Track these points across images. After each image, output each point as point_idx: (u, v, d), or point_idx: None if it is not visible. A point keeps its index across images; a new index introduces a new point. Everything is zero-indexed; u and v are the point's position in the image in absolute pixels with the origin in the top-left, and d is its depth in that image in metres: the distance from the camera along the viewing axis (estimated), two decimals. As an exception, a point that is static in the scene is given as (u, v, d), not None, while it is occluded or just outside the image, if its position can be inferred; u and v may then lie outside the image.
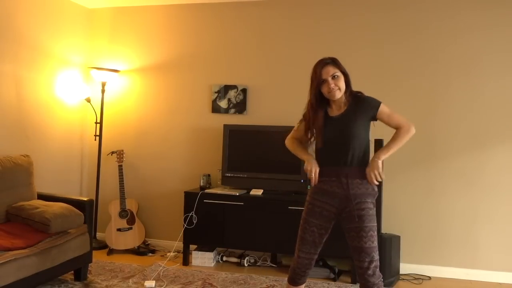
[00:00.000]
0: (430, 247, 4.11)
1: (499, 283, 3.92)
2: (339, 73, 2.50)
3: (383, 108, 2.55)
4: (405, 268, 4.09)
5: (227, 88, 4.58)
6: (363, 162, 2.53)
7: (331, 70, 2.48)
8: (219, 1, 4.58)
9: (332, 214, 2.55)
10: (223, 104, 4.59)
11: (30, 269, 2.97)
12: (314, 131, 2.57)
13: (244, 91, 4.54)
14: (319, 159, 2.59)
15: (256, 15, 4.53)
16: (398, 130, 2.57)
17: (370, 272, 2.45)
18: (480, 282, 3.94)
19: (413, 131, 2.56)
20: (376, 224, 2.50)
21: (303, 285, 2.73)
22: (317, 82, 2.50)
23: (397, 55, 4.18)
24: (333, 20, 4.33)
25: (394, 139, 2.56)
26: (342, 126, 2.51)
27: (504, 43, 3.96)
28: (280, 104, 4.46)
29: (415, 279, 4.00)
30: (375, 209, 2.52)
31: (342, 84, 2.50)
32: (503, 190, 3.97)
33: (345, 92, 2.54)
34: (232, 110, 4.57)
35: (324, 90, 2.50)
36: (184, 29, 4.73)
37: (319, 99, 2.54)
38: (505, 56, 3.96)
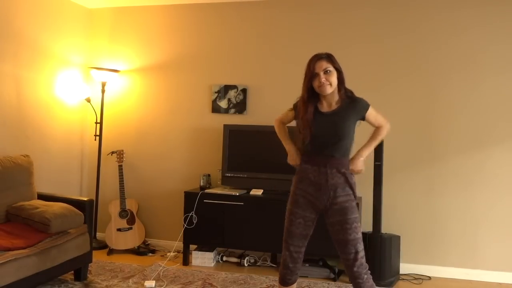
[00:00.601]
0: (430, 247, 4.11)
1: (499, 283, 3.92)
2: (331, 69, 2.51)
3: (371, 110, 2.63)
4: (405, 268, 4.09)
5: (227, 88, 4.58)
6: (345, 155, 2.59)
7: (324, 64, 2.51)
8: (219, 1, 4.59)
9: (316, 206, 2.58)
10: (223, 104, 4.59)
11: (30, 269, 2.97)
12: (301, 124, 2.58)
13: (244, 91, 4.54)
14: (305, 150, 2.63)
15: (256, 15, 4.53)
16: (378, 128, 2.68)
17: (358, 263, 2.50)
18: (480, 282, 3.94)
19: (389, 127, 2.70)
20: (358, 215, 2.56)
21: (295, 284, 2.72)
22: (310, 75, 2.53)
23: (396, 53, 4.18)
24: (333, 20, 4.33)
25: (375, 137, 2.68)
26: (333, 123, 2.54)
27: (503, 41, 3.96)
28: (280, 104, 4.40)
29: (415, 279, 4.00)
30: (356, 199, 2.60)
31: (334, 80, 2.52)
32: (503, 190, 3.96)
33: (338, 90, 2.57)
34: (232, 110, 4.57)
35: (315, 84, 2.53)
36: (184, 29, 4.73)
37: (310, 93, 2.57)
38: (504, 54, 3.96)
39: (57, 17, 4.52)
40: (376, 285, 3.76)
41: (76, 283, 3.58)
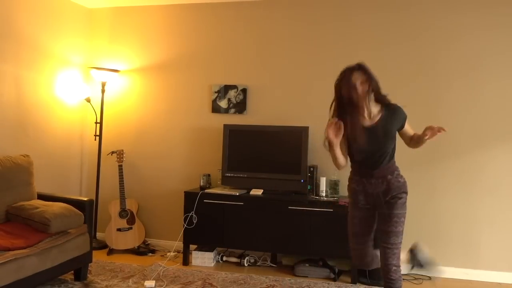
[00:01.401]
0: (430, 247, 4.07)
1: (499, 283, 3.92)
2: (366, 78, 2.52)
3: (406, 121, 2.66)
4: (405, 268, 4.08)
5: (227, 88, 4.58)
6: (391, 160, 2.64)
7: (360, 76, 2.51)
8: (219, 1, 4.59)
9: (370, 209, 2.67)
10: (223, 104, 4.59)
11: (30, 269, 2.97)
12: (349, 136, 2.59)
13: (244, 91, 4.54)
14: (352, 161, 2.68)
15: (256, 15, 4.53)
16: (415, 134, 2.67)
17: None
18: (480, 282, 3.94)
19: None
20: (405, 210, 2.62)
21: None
22: (346, 88, 2.51)
23: (398, 56, 4.18)
24: (333, 20, 4.33)
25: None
26: (376, 137, 2.55)
27: (505, 44, 3.96)
28: (280, 104, 4.46)
29: (415, 279, 4.00)
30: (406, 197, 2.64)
31: (371, 88, 2.52)
32: (504, 191, 3.97)
33: (376, 100, 2.56)
34: (232, 110, 4.57)
35: (354, 94, 2.50)
36: (184, 29, 4.73)
37: (346, 108, 2.55)
38: (506, 57, 3.96)
39: (57, 17, 4.51)
40: (376, 285, 3.78)
41: (76, 283, 3.58)
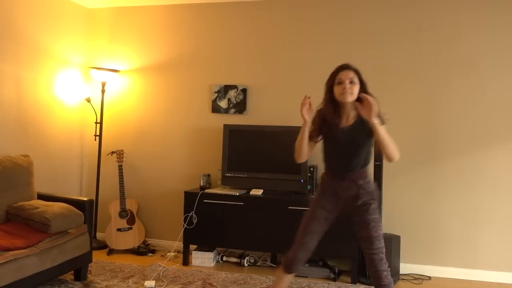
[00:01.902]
0: (430, 247, 4.11)
1: (499, 283, 3.92)
2: (356, 80, 2.53)
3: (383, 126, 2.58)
4: (405, 268, 4.09)
5: (227, 88, 4.58)
6: (364, 166, 2.62)
7: (351, 74, 2.53)
8: (219, 1, 4.59)
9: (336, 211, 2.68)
10: (223, 104, 4.59)
11: (30, 269, 2.97)
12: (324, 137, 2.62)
13: (244, 91, 4.54)
14: (325, 162, 2.70)
15: (256, 15, 4.53)
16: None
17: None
18: (480, 282, 3.94)
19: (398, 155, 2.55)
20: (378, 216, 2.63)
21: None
22: (333, 82, 2.55)
23: (397, 55, 4.18)
24: (333, 20, 4.33)
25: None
26: (350, 139, 2.56)
27: (504, 44, 3.96)
28: (280, 104, 4.46)
29: (415, 279, 4.00)
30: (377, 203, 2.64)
31: (356, 91, 2.52)
32: (503, 191, 3.97)
33: (357, 101, 2.55)
34: (232, 110, 4.57)
35: (338, 90, 2.53)
36: (184, 29, 4.73)
37: (332, 104, 2.57)
38: (506, 57, 3.96)
39: (57, 17, 4.51)
40: (376, 285, 3.76)
41: (76, 283, 3.58)
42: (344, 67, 2.56)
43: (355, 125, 2.56)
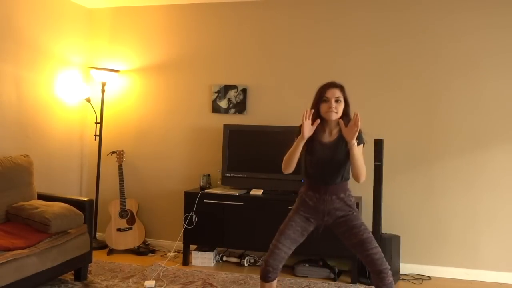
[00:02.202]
0: (430, 247, 4.11)
1: (499, 283, 3.92)
2: (342, 99, 2.59)
3: (361, 146, 2.63)
4: (405, 268, 4.09)
5: (227, 88, 4.58)
6: (344, 180, 2.67)
7: (337, 93, 2.58)
8: (219, 1, 4.59)
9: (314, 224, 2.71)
10: (223, 104, 4.59)
11: (30, 269, 2.97)
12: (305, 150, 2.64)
13: (244, 91, 4.54)
14: (307, 176, 2.74)
15: (256, 15, 4.53)
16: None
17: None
18: (480, 282, 3.94)
19: (365, 174, 2.60)
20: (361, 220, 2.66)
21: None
22: (319, 99, 2.59)
23: (397, 55, 4.18)
24: (333, 20, 4.33)
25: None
26: (332, 154, 2.61)
27: (504, 44, 3.96)
28: (280, 104, 4.46)
29: (415, 279, 4.00)
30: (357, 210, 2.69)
31: (341, 109, 2.59)
32: (503, 191, 3.97)
33: (341, 119, 2.60)
34: (232, 110, 4.57)
35: (323, 108, 2.58)
36: (184, 29, 4.73)
37: (317, 115, 2.61)
38: (505, 57, 3.96)
39: (57, 17, 4.52)
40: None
41: (76, 283, 3.58)
42: (331, 85, 2.61)
43: (338, 140, 2.62)
